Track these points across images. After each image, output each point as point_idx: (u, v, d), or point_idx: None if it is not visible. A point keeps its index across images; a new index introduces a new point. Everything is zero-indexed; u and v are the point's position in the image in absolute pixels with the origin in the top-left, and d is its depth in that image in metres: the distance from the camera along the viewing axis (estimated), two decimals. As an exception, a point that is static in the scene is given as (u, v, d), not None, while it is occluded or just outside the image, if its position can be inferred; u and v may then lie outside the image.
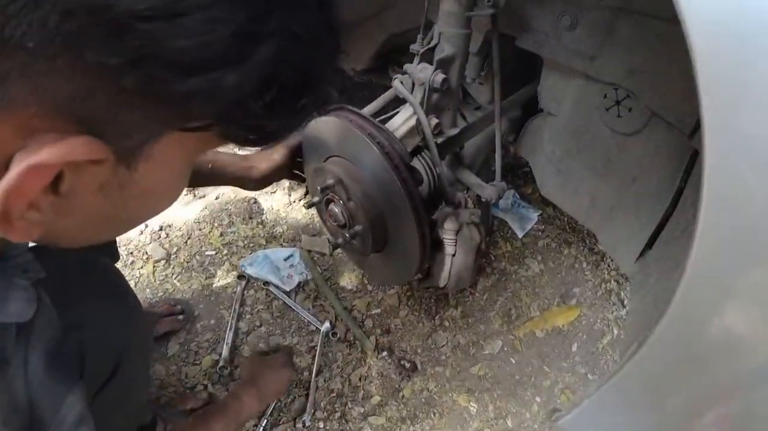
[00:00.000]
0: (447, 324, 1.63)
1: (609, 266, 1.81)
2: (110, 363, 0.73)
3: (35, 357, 0.55)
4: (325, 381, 1.48)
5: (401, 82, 1.19)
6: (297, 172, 1.33)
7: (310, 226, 1.90)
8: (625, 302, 1.70)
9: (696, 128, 1.00)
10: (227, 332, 1.55)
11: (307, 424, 1.38)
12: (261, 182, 1.25)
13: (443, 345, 1.58)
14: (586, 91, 1.23)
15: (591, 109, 1.24)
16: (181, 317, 1.56)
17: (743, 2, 0.46)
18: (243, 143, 0.48)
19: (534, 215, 1.94)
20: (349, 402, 1.44)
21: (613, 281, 1.76)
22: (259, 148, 0.60)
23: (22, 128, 0.37)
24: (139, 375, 0.85)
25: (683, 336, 0.63)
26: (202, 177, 1.16)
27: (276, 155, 1.26)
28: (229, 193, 1.98)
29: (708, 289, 0.59)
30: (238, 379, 1.47)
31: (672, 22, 0.99)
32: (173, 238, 1.81)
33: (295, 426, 1.38)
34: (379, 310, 1.66)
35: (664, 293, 0.95)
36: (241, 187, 1.25)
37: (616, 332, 1.62)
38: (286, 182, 2.03)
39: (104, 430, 0.76)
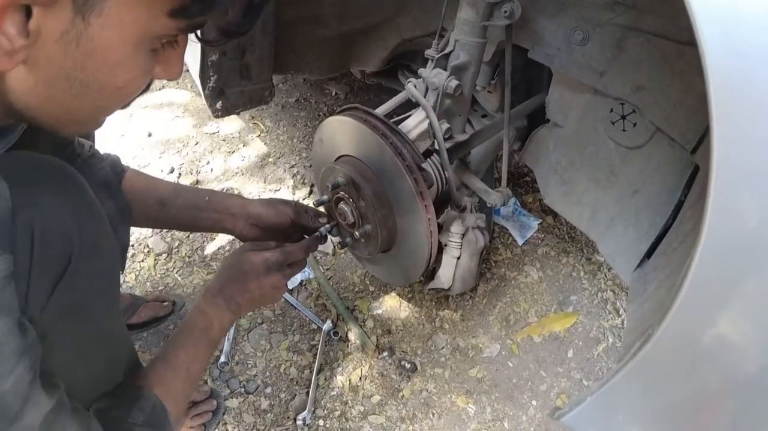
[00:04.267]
0: (447, 326, 1.66)
1: (606, 276, 1.85)
2: (62, 248, 0.70)
3: None
4: (325, 379, 1.50)
5: (414, 86, 1.22)
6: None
7: (314, 226, 1.92)
8: (621, 311, 1.74)
9: (698, 144, 1.04)
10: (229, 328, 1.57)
11: (307, 422, 1.40)
12: (252, 230, 1.23)
13: (443, 347, 1.61)
14: (593, 105, 1.27)
15: (597, 122, 1.27)
16: (165, 303, 1.57)
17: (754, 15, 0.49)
18: (186, 21, 0.56)
19: (534, 224, 1.98)
20: (349, 401, 1.46)
21: (609, 291, 1.80)
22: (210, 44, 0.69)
23: None
24: (98, 282, 0.78)
25: (684, 338, 0.67)
26: (199, 212, 1.20)
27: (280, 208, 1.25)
28: (232, 189, 2.01)
29: (709, 293, 0.62)
30: (238, 375, 1.48)
31: (678, 42, 1.04)
32: (175, 232, 1.82)
33: (295, 424, 1.40)
34: (380, 311, 1.68)
35: (663, 300, 0.98)
36: (231, 229, 1.23)
37: (611, 340, 1.65)
38: (290, 181, 2.06)
39: (72, 352, 0.76)
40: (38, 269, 0.66)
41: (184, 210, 1.19)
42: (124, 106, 0.68)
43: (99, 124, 0.71)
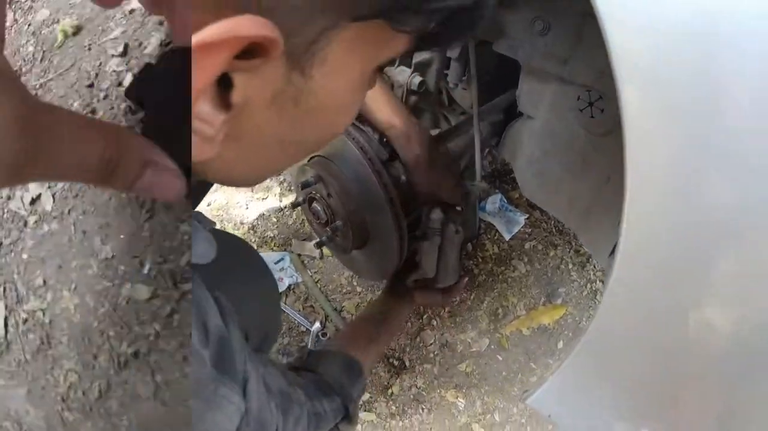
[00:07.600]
0: (435, 323, 1.67)
1: (595, 267, 1.85)
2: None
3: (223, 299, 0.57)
4: (314, 379, 1.51)
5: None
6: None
7: (301, 231, 1.94)
8: (610, 301, 1.73)
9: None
10: (219, 333, 1.58)
11: (295, 421, 1.40)
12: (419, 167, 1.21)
13: (431, 344, 1.61)
14: (561, 94, 1.27)
15: (566, 111, 1.28)
16: None
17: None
18: (409, 38, 0.45)
19: (521, 219, 1.98)
20: (337, 400, 1.47)
21: (598, 282, 1.79)
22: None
23: None
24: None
25: (624, 311, 0.67)
26: None
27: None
28: (220, 199, 2.03)
29: (640, 262, 0.62)
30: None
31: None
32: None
33: (284, 423, 1.41)
34: (367, 311, 1.69)
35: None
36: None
37: (600, 330, 1.65)
38: (277, 189, 2.08)
39: None
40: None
41: None
42: None
43: None
